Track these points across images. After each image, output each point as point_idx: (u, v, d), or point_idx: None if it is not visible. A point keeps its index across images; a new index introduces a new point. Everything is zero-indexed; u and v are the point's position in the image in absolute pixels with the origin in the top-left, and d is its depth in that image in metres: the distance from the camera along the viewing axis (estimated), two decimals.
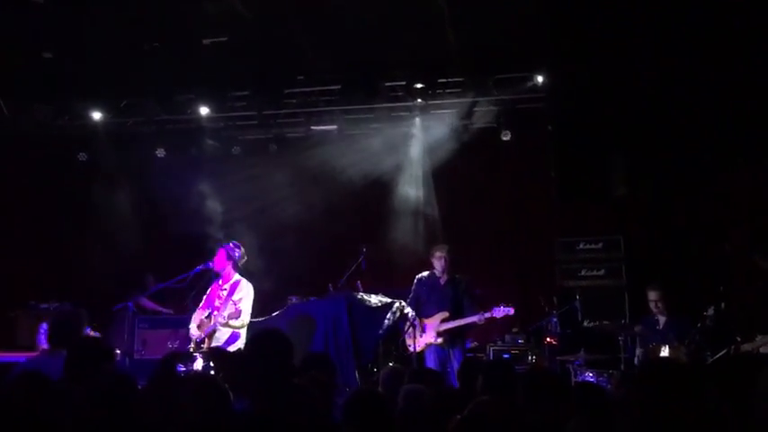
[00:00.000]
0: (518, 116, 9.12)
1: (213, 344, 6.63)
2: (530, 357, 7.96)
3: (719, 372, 2.84)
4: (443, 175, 9.61)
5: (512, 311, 7.13)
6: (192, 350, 6.49)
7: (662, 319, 6.99)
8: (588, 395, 3.35)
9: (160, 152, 9.86)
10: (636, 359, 6.86)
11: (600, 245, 8.75)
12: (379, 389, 4.50)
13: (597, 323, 8.12)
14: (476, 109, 9.18)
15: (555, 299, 8.40)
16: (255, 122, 9.79)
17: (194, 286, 7.17)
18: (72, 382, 3.61)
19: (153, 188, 9.77)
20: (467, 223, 9.42)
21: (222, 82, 9.19)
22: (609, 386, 6.03)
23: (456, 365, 6.89)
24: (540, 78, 8.61)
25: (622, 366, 6.68)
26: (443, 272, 7.41)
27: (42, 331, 7.78)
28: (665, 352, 6.36)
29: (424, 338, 7.19)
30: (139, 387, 3.53)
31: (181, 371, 5.04)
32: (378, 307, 8.24)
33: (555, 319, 7.94)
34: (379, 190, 9.57)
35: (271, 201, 9.57)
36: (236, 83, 9.23)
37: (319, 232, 9.66)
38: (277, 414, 2.89)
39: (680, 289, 7.19)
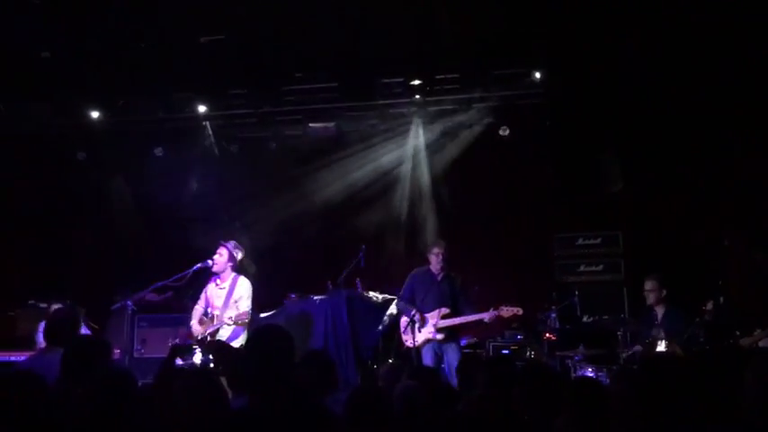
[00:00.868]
0: (516, 112, 9.09)
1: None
2: (528, 353, 7.94)
3: (712, 365, 2.85)
4: (441, 171, 9.61)
5: (520, 311, 6.96)
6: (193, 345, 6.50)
7: (660, 312, 6.95)
8: (585, 390, 3.34)
9: (158, 151, 9.84)
10: (630, 353, 6.78)
11: (598, 240, 8.76)
12: (380, 385, 4.51)
13: (596, 318, 8.12)
14: (474, 105, 9.18)
15: (554, 294, 8.40)
16: (254, 120, 9.78)
17: (192, 284, 7.18)
18: (69, 380, 3.61)
19: (151, 187, 9.77)
20: (465, 219, 9.41)
21: (220, 80, 9.18)
22: (608, 381, 6.01)
23: (451, 362, 6.85)
24: (538, 74, 8.60)
25: (622, 361, 6.66)
26: (440, 268, 7.25)
27: (41, 330, 7.77)
28: (661, 347, 6.34)
29: (423, 334, 7.11)
30: (140, 385, 3.53)
31: (179, 365, 5.03)
32: (377, 304, 8.26)
33: (554, 315, 7.92)
34: (377, 187, 9.57)
35: (269, 198, 9.57)
36: (234, 81, 9.22)
37: (318, 230, 9.66)
38: (275, 411, 2.88)
39: (679, 284, 7.17)
